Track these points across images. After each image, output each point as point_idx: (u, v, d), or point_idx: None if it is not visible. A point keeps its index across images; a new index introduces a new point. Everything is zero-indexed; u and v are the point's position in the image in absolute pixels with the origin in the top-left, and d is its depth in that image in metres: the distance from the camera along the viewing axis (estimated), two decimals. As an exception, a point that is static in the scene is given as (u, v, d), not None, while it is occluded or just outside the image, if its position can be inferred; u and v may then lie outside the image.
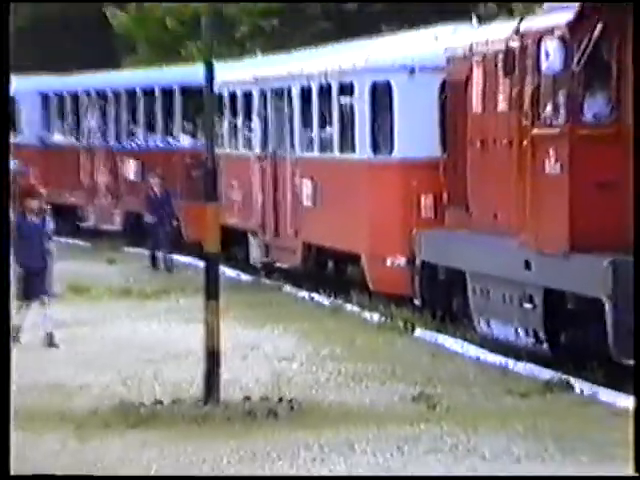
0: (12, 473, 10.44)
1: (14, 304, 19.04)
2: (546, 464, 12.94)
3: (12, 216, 18.50)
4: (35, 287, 19.96)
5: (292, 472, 12.76)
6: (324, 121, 26.87)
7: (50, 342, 19.80)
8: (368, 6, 37.96)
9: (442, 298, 21.97)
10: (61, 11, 51.27)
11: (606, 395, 16.26)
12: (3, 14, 4.96)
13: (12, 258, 19.93)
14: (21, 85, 43.84)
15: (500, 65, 19.71)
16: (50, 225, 21.23)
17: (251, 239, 30.05)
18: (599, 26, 17.55)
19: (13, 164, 37.89)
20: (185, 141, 34.83)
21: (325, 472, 12.73)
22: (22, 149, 41.74)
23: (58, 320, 21.60)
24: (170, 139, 36.02)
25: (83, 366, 18.31)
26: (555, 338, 18.48)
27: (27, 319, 20.33)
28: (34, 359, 19.16)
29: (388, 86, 24.51)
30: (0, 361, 4.82)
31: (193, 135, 33.93)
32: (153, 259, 30.89)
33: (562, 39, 17.89)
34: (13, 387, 16.64)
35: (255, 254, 29.93)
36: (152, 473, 12.75)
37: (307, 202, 27.27)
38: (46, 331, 19.85)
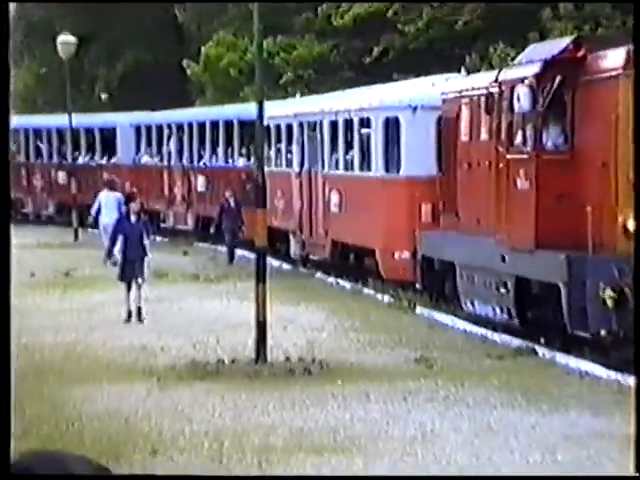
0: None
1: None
2: (515, 410, 12.89)
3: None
4: (131, 272, 19.70)
5: (322, 416, 12.64)
6: (348, 147, 26.73)
7: (138, 314, 19.62)
8: (383, 58, 37.95)
9: (437, 283, 21.77)
10: (154, 61, 51.30)
11: (562, 358, 16.21)
12: (3, 14, 4.72)
13: (119, 248, 20.03)
14: (120, 119, 44.28)
15: (482, 105, 19.67)
16: (148, 226, 21.28)
17: (291, 237, 29.89)
18: (558, 77, 17.62)
19: (107, 176, 38.30)
20: (241, 162, 34.92)
21: (347, 417, 12.58)
22: (120, 168, 42.16)
23: (145, 297, 21.95)
24: (230, 160, 36.09)
25: (163, 333, 18.21)
26: (523, 314, 18.39)
27: (119, 296, 20.17)
28: (127, 328, 19.17)
29: (397, 120, 24.42)
30: (0, 360, 4.60)
31: (247, 157, 33.96)
32: (231, 255, 30.24)
33: (530, 86, 17.90)
34: (111, 347, 17.09)
35: (294, 249, 29.76)
36: (215, 416, 12.63)
37: (334, 209, 27.10)
38: (137, 305, 19.61)
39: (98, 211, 31.55)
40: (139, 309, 19.62)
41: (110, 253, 22.10)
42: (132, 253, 19.69)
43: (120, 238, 20.21)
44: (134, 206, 20.80)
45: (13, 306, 20.95)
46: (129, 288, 19.66)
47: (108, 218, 29.49)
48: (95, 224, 32.45)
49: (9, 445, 5.03)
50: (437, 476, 6.73)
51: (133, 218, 20.54)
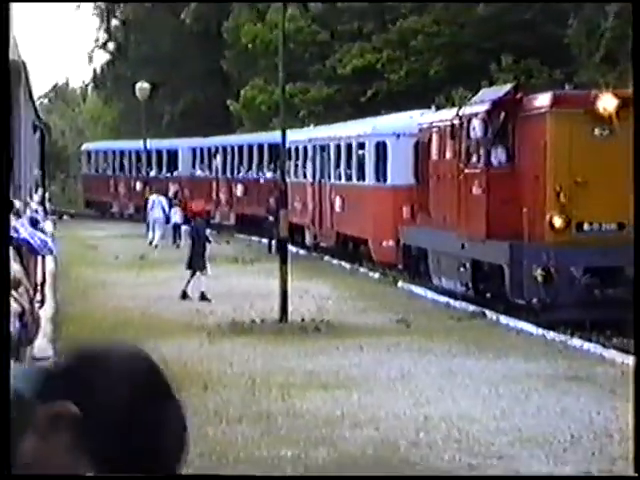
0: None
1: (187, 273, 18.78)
2: (470, 358, 12.72)
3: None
4: (197, 262, 18.85)
5: (328, 362, 12.43)
6: (348, 163, 26.59)
7: (203, 297, 18.47)
8: (374, 98, 38.05)
9: (414, 264, 21.63)
10: (206, 100, 51.51)
11: (504, 320, 16.12)
12: (3, 14, 4.27)
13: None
14: (181, 143, 44.45)
15: (448, 133, 19.54)
16: (208, 230, 20.17)
17: (306, 230, 29.74)
18: (503, 113, 17.54)
19: (174, 187, 38.75)
20: (269, 175, 35.02)
21: (346, 363, 12.37)
22: (181, 179, 42.28)
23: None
24: (261, 173, 36.20)
25: (214, 301, 18.06)
26: (477, 287, 18.23)
27: (179, 275, 20.10)
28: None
29: (384, 144, 24.35)
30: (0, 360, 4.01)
31: (274, 171, 34.07)
32: (270, 246, 28.76)
33: (483, 119, 17.86)
34: (173, 311, 17.16)
35: (308, 239, 29.61)
36: (249, 361, 12.47)
37: (338, 209, 27.00)
38: (200, 290, 18.52)
39: (152, 208, 32.27)
40: (202, 293, 18.43)
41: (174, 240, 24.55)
42: (199, 248, 19.05)
43: (188, 234, 19.89)
44: (197, 211, 20.23)
45: (103, 280, 21.13)
46: (193, 275, 18.89)
47: (158, 214, 31.36)
48: (145, 219, 33.61)
49: (9, 445, 4.58)
50: (437, 476, 6.54)
51: (200, 220, 19.99)
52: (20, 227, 5.32)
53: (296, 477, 6.78)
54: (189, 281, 18.81)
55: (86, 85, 76.50)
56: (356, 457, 8.26)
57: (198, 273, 18.83)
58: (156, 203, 32.02)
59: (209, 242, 19.69)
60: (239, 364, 12.31)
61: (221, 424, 9.35)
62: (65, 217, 46.60)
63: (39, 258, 9.93)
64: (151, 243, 30.69)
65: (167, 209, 31.79)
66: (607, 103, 16.01)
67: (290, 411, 9.87)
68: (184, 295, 18.69)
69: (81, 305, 17.82)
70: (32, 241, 5.55)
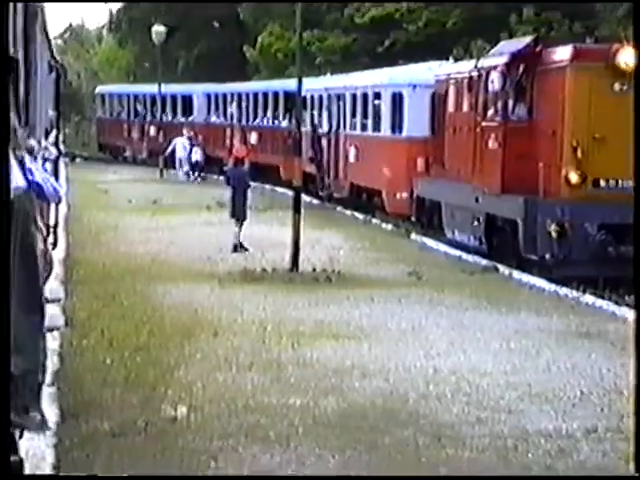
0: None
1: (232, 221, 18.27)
2: (481, 312, 12.66)
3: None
4: (240, 210, 18.36)
5: (339, 312, 12.35)
6: (364, 113, 26.40)
7: (241, 246, 17.93)
8: (391, 49, 37.87)
9: (427, 217, 21.58)
10: (221, 46, 51.40)
11: (517, 275, 16.02)
12: (3, 14, 4.65)
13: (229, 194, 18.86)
14: (196, 89, 44.28)
15: (465, 85, 19.45)
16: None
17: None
18: (522, 66, 17.42)
19: (187, 133, 39.51)
20: (284, 123, 34.87)
21: (357, 313, 12.27)
22: (194, 125, 42.18)
23: (213, 222, 21.54)
24: (276, 122, 35.98)
25: (222, 248, 17.91)
26: (490, 241, 18.14)
27: (192, 220, 20.11)
28: (197, 243, 18.86)
29: (401, 95, 24.16)
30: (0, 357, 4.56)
31: (289, 120, 33.97)
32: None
33: (501, 72, 17.69)
34: (185, 257, 17.16)
35: (320, 191, 29.38)
36: (260, 309, 12.45)
37: (352, 159, 26.83)
38: (237, 241, 18.05)
39: (173, 150, 38.13)
40: (241, 243, 18.01)
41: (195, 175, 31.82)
42: (239, 197, 18.41)
43: (225, 182, 19.19)
44: (239, 157, 19.52)
45: (115, 224, 21.26)
46: (238, 223, 18.28)
47: (182, 153, 37.90)
48: (171, 159, 38.37)
49: (9, 444, 4.57)
50: (437, 476, 6.68)
51: (240, 166, 19.21)
52: (35, 170, 5.29)
53: (296, 477, 6.69)
54: (238, 231, 18.11)
55: (101, 27, 76.20)
56: (365, 408, 8.29)
57: (246, 221, 18.32)
58: (179, 144, 37.98)
59: (249, 187, 19.03)
60: (249, 312, 12.28)
61: (231, 371, 9.38)
62: (78, 160, 46.62)
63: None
64: (186, 174, 37.42)
65: (189, 148, 37.74)
66: (628, 57, 15.85)
67: (300, 360, 9.87)
68: (237, 247, 17.86)
69: (92, 249, 17.87)
70: (45, 187, 5.52)
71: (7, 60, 4.61)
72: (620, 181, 16.06)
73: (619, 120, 15.57)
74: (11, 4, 5.19)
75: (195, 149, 37.82)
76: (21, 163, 5.00)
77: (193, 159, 37.65)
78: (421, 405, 8.43)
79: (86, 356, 9.72)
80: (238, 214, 18.36)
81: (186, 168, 37.75)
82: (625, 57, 15.89)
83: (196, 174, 37.08)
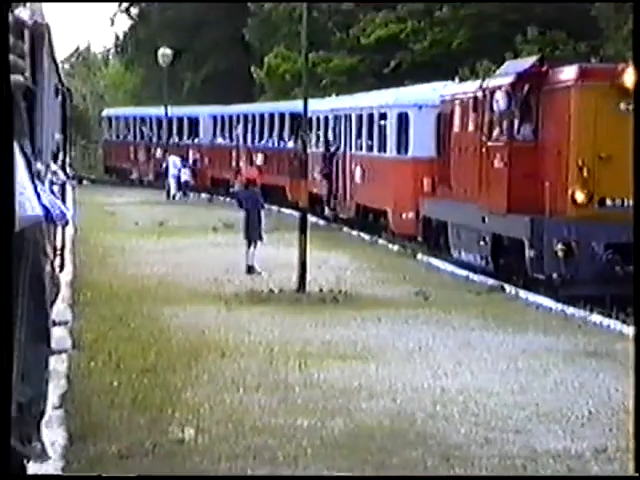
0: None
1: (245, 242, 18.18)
2: (488, 332, 12.65)
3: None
4: (253, 232, 18.16)
5: (346, 332, 12.33)
6: (370, 134, 26.52)
7: (250, 269, 17.80)
8: (397, 69, 37.95)
9: (434, 237, 21.61)
10: (227, 68, 51.53)
11: (523, 294, 16.04)
12: (3, 14, 4.61)
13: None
14: (202, 111, 44.44)
15: (471, 105, 19.52)
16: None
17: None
18: (527, 86, 17.51)
19: (193, 155, 40.17)
20: (290, 144, 34.96)
21: (364, 334, 12.26)
22: (201, 147, 42.33)
23: (218, 243, 21.53)
24: (282, 143, 36.05)
25: (229, 269, 17.83)
26: (496, 261, 18.25)
27: (198, 241, 20.11)
28: (204, 265, 18.78)
29: (407, 115, 24.30)
30: (0, 357, 4.08)
31: (295, 141, 34.04)
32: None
33: (506, 92, 17.80)
34: (192, 278, 17.11)
35: (327, 210, 29.63)
36: (267, 330, 12.43)
37: (358, 180, 26.92)
38: (251, 263, 17.92)
39: (167, 167, 39.32)
40: (252, 266, 17.81)
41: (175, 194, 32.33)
42: (253, 219, 18.26)
43: (237, 204, 19.07)
44: (251, 178, 19.50)
45: (122, 246, 21.26)
46: (249, 246, 18.11)
47: (174, 171, 38.95)
48: (165, 176, 39.35)
49: (9, 445, 4.47)
50: (437, 476, 6.73)
51: (252, 188, 19.12)
52: (42, 192, 5.29)
53: (296, 477, 6.63)
54: (248, 253, 17.97)
55: (108, 50, 76.51)
56: (372, 428, 8.27)
57: (258, 243, 18.16)
58: (171, 162, 39.27)
59: (263, 208, 18.88)
60: (256, 333, 12.27)
61: (238, 392, 9.36)
62: (85, 182, 46.73)
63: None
64: (168, 194, 38.43)
65: (179, 167, 39.21)
66: (634, 77, 15.89)
67: (307, 381, 9.86)
68: (250, 269, 17.71)
69: (99, 271, 17.87)
70: (51, 209, 5.53)
71: (7, 60, 4.62)
72: (626, 200, 16.10)
73: (625, 139, 15.41)
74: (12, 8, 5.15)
75: (184, 170, 39.43)
76: (35, 190, 5.01)
77: (182, 179, 39.15)
78: (429, 425, 8.40)
79: (93, 378, 9.71)
80: (252, 236, 18.14)
81: (174, 187, 39.06)
82: (631, 76, 15.91)
83: (181, 193, 38.75)
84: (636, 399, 5.71)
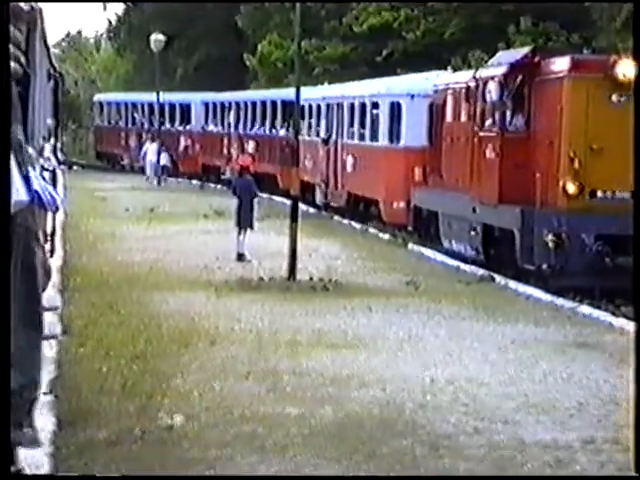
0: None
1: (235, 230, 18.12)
2: (478, 322, 12.64)
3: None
4: (245, 220, 18.17)
5: (336, 321, 12.31)
6: (361, 123, 26.53)
7: (241, 257, 17.82)
8: (390, 58, 37.93)
9: (424, 227, 21.63)
10: (220, 54, 51.46)
11: (513, 285, 16.04)
12: (3, 14, 4.59)
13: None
14: (194, 97, 44.37)
15: (463, 95, 19.54)
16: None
17: (317, 188, 29.75)
18: (519, 77, 17.52)
19: (184, 142, 40.31)
20: (282, 132, 34.93)
21: (354, 323, 12.24)
22: (192, 133, 42.23)
23: (208, 230, 21.45)
24: (274, 130, 36.01)
25: (219, 256, 17.88)
26: (487, 251, 18.29)
27: (189, 228, 20.11)
28: (194, 252, 18.75)
29: (399, 105, 24.30)
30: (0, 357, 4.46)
31: (287, 128, 34.02)
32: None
33: (499, 82, 17.83)
34: (182, 265, 17.12)
35: (319, 197, 29.62)
36: (257, 318, 12.41)
37: (349, 169, 26.95)
38: (242, 250, 17.94)
39: (145, 153, 40.63)
40: (242, 254, 17.84)
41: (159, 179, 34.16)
42: (245, 207, 18.20)
43: (231, 191, 19.09)
44: (246, 165, 19.45)
45: (112, 232, 21.28)
46: (240, 233, 18.13)
47: (152, 157, 39.73)
48: (143, 162, 40.68)
49: (9, 445, 4.47)
50: (437, 476, 6.71)
51: (246, 176, 18.95)
52: (34, 179, 5.27)
53: (296, 477, 6.62)
54: (238, 241, 17.98)
55: (100, 35, 76.29)
56: (362, 417, 8.27)
57: (248, 231, 18.16)
58: (149, 148, 40.31)
59: (257, 197, 18.80)
60: (246, 321, 12.26)
61: (228, 380, 9.34)
62: (75, 168, 46.63)
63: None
64: (147, 179, 39.64)
65: (158, 153, 39.74)
66: (626, 69, 15.89)
67: (296, 369, 9.85)
68: (240, 257, 17.73)
69: (89, 257, 17.83)
70: (42, 195, 5.51)
71: (7, 60, 4.59)
72: (617, 192, 16.13)
73: (617, 131, 15.61)
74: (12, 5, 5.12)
75: (163, 155, 40.05)
76: (25, 177, 4.99)
77: (161, 163, 39.72)
78: (418, 415, 8.40)
79: (83, 364, 9.69)
80: (244, 224, 18.14)
81: (151, 171, 39.79)
82: (623, 68, 15.93)
83: (163, 177, 39.28)
84: (636, 398, 5.73)
